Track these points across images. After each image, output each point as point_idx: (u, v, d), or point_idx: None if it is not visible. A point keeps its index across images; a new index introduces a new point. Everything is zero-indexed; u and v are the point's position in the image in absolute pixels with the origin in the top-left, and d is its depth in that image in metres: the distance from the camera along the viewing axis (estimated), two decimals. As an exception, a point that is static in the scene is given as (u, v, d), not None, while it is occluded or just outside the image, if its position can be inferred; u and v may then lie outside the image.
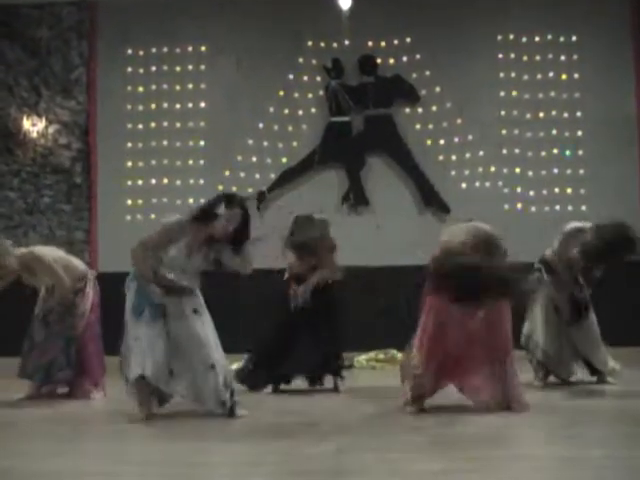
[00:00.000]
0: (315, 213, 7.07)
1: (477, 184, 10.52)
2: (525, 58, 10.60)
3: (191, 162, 10.69)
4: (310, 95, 10.70)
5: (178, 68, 10.78)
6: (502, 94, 10.58)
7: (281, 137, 10.66)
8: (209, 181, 10.29)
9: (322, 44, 10.66)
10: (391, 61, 10.64)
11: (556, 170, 10.51)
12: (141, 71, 10.78)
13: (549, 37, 10.59)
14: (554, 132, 10.53)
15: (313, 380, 6.84)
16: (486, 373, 5.59)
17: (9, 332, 6.88)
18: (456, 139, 10.56)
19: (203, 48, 10.76)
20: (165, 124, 10.73)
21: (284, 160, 10.64)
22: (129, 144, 10.72)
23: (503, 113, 10.56)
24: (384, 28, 10.53)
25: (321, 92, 10.63)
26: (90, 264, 9.98)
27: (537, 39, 10.60)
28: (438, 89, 10.58)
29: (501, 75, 10.60)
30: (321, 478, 3.93)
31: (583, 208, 10.30)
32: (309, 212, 7.13)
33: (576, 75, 10.57)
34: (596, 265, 6.70)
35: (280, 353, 6.70)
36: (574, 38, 10.57)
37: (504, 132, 10.55)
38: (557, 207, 10.43)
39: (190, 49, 10.78)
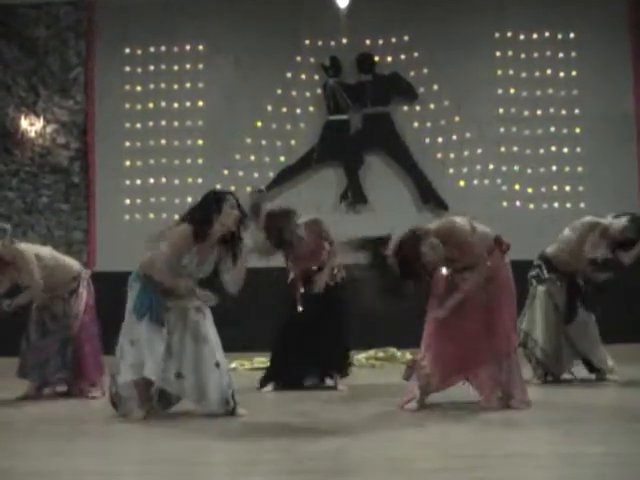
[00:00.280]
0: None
1: (475, 182, 10.53)
2: (523, 56, 10.61)
3: (189, 161, 10.69)
4: (308, 93, 10.70)
5: (176, 67, 10.78)
6: (500, 92, 10.58)
7: (279, 136, 10.66)
8: (207, 180, 10.29)
9: (320, 42, 10.66)
10: (389, 59, 10.65)
11: (554, 167, 10.52)
12: (139, 70, 10.79)
13: (547, 34, 10.60)
14: (552, 129, 10.54)
15: (322, 379, 6.89)
16: (488, 370, 5.60)
17: (9, 332, 6.86)
18: (454, 137, 10.56)
19: (201, 47, 10.77)
20: (163, 123, 10.73)
21: (282, 159, 10.64)
22: (127, 143, 10.72)
23: (501, 111, 10.57)
24: (382, 26, 10.53)
25: (319, 90, 10.64)
26: (88, 263, 10.03)
27: (535, 36, 10.61)
28: (436, 87, 10.59)
29: (499, 73, 10.61)
30: (321, 477, 3.92)
31: (581, 205, 10.32)
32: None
33: (574, 72, 10.58)
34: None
35: (290, 354, 6.73)
36: (572, 35, 10.58)
37: (502, 130, 10.56)
38: (555, 204, 10.44)
39: (188, 48, 10.78)
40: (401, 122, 10.58)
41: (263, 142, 10.66)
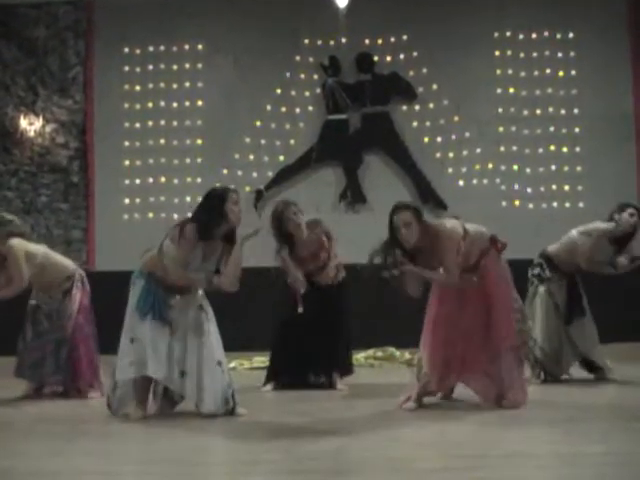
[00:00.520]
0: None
1: (474, 181, 10.53)
2: (522, 55, 10.60)
3: (188, 160, 10.69)
4: (307, 93, 10.69)
5: (175, 67, 10.77)
6: (499, 91, 10.58)
7: (278, 135, 10.65)
8: (206, 179, 10.25)
9: (319, 42, 10.65)
10: (388, 59, 10.64)
11: (553, 167, 10.52)
12: (138, 70, 10.78)
13: (546, 34, 10.60)
14: (551, 129, 10.54)
15: (322, 378, 6.89)
16: (487, 369, 5.60)
17: (8, 331, 6.86)
18: (453, 136, 10.56)
19: (200, 46, 10.76)
20: (162, 123, 10.72)
21: (281, 158, 10.63)
22: (126, 143, 10.71)
23: (500, 110, 10.57)
24: (381, 26, 10.53)
25: (318, 90, 10.63)
26: (88, 263, 10.03)
27: (534, 36, 10.60)
28: (435, 86, 10.59)
29: (498, 72, 10.60)
30: (321, 477, 3.92)
31: (580, 205, 10.33)
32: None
33: (573, 72, 10.57)
34: None
35: (290, 353, 6.74)
36: (571, 35, 10.57)
37: (501, 129, 10.56)
38: (554, 204, 10.44)
39: (187, 47, 10.77)
40: (400, 122, 10.58)
41: (262, 141, 10.65)
